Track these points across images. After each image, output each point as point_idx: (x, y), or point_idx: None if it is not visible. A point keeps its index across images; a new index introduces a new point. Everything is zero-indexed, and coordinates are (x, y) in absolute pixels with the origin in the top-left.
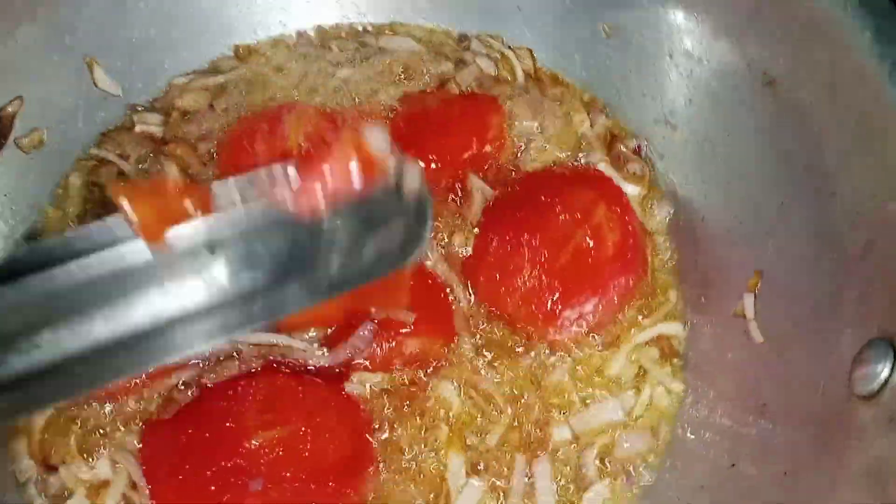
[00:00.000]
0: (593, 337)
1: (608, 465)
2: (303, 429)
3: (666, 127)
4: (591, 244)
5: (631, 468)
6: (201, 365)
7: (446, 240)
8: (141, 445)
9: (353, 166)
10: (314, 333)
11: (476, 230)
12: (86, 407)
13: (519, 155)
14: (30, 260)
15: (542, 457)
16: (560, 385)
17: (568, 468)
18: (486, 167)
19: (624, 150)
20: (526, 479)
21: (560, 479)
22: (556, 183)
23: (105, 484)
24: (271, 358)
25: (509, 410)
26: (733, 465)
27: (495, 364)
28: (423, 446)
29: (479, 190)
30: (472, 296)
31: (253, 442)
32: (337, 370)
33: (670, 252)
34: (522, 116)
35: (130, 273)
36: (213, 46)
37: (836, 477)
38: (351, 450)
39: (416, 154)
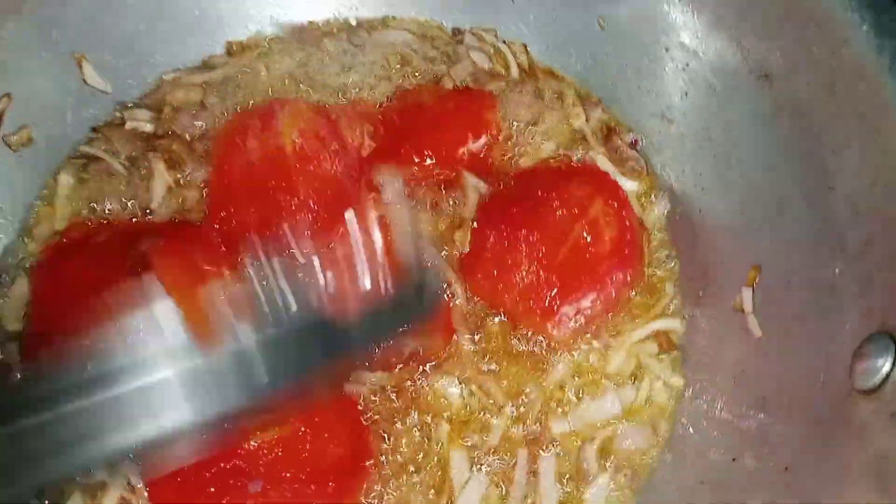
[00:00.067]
0: (591, 332)
1: (609, 459)
2: (301, 429)
3: (662, 121)
4: (589, 239)
5: (632, 463)
6: None
7: (444, 237)
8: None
9: (388, 279)
10: None
11: (474, 224)
12: None
13: (514, 150)
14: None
15: (547, 454)
16: (559, 380)
17: (569, 463)
18: (480, 162)
19: (621, 144)
20: (528, 475)
21: (562, 475)
22: (552, 178)
23: (102, 486)
24: None
25: (509, 406)
26: (734, 459)
27: (494, 360)
28: (423, 444)
29: (474, 186)
30: (470, 293)
31: (251, 443)
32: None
33: (668, 247)
34: (517, 111)
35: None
36: (204, 41)
37: (838, 472)
38: (350, 449)
39: (411, 149)
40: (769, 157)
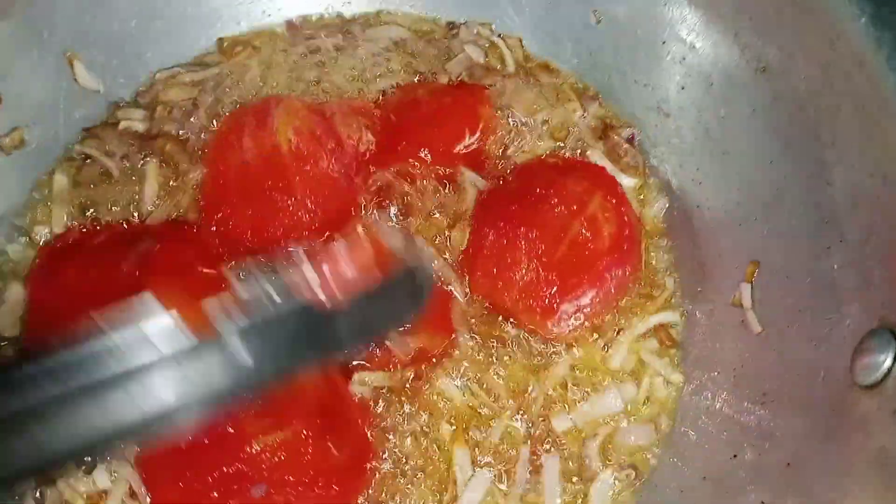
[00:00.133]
0: (591, 329)
1: (611, 456)
2: (304, 432)
3: (659, 114)
4: (587, 236)
5: (634, 459)
6: None
7: (442, 235)
8: (139, 453)
9: (370, 261)
10: None
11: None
12: None
13: (511, 145)
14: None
15: (552, 453)
16: (560, 377)
17: (571, 461)
18: (477, 158)
19: (618, 139)
20: (531, 472)
21: (565, 472)
22: (549, 174)
23: (104, 494)
24: None
25: (511, 403)
26: (735, 455)
27: (495, 358)
28: (426, 443)
29: (472, 182)
30: (469, 291)
31: (254, 446)
32: (336, 371)
33: (666, 242)
34: (514, 106)
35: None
36: (196, 38)
37: (841, 468)
38: (353, 451)
39: (408, 145)
40: (767, 151)
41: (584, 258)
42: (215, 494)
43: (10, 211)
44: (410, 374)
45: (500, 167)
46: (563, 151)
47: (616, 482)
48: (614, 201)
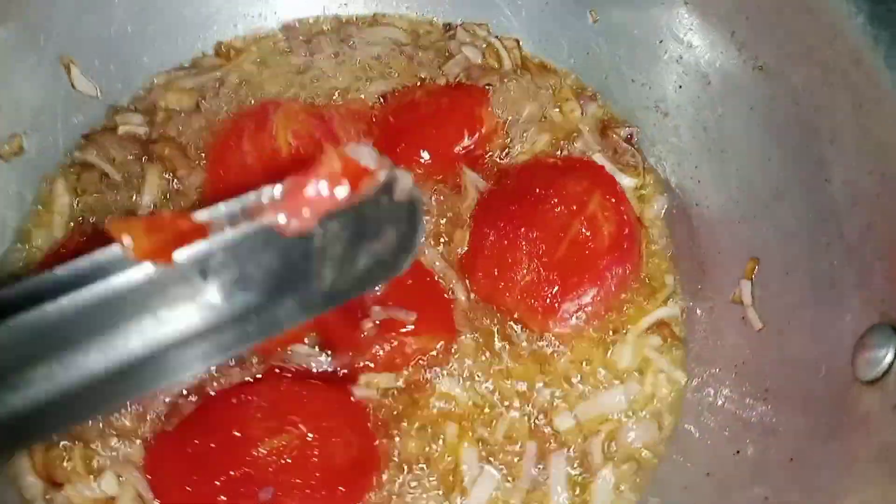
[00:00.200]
0: (593, 328)
1: (614, 453)
2: (310, 434)
3: (657, 113)
4: (588, 235)
5: (637, 456)
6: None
7: (443, 237)
8: (146, 458)
9: (340, 179)
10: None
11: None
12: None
13: (510, 145)
14: (17, 296)
15: (559, 453)
16: (563, 375)
17: (576, 458)
18: (477, 159)
19: (616, 138)
20: (536, 469)
21: (568, 468)
22: (549, 174)
23: (111, 500)
24: (273, 364)
25: (515, 402)
26: (738, 451)
27: (498, 358)
28: (432, 443)
29: (473, 183)
30: (471, 291)
31: (260, 450)
32: (340, 374)
33: (665, 240)
34: (512, 106)
35: (123, 303)
36: (193, 41)
37: (844, 463)
38: (359, 452)
39: (407, 147)
40: (765, 149)
41: (585, 257)
42: (223, 498)
43: (12, 217)
44: (415, 375)
45: (499, 168)
46: (561, 151)
47: (619, 478)
48: (614, 200)
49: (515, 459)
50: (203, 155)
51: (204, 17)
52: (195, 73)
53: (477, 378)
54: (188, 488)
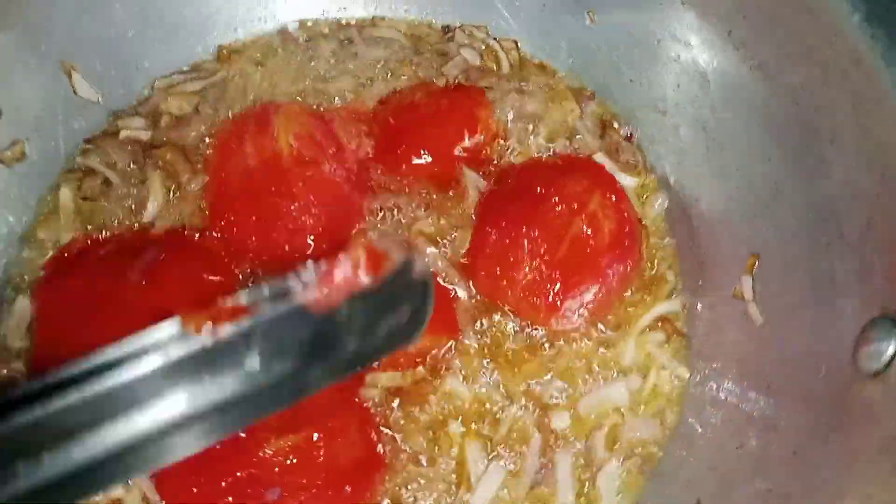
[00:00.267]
0: (595, 324)
1: (619, 447)
2: (315, 434)
3: (656, 112)
4: (589, 233)
5: (640, 450)
6: None
7: (445, 237)
8: None
9: (364, 265)
10: None
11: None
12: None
13: (510, 145)
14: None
15: (563, 448)
16: (566, 372)
17: (581, 452)
18: (477, 159)
19: (616, 137)
20: (541, 465)
21: (574, 463)
22: (549, 173)
23: (117, 501)
24: None
25: (519, 399)
26: (741, 445)
27: (501, 355)
28: (436, 440)
29: (474, 183)
30: (474, 291)
31: (266, 450)
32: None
33: (666, 238)
34: (511, 106)
35: (178, 372)
36: (193, 44)
37: (848, 455)
38: (365, 451)
39: (407, 149)
40: (764, 147)
41: (586, 255)
42: (229, 499)
43: (15, 223)
44: (419, 374)
45: (500, 168)
46: (561, 151)
47: (623, 473)
48: (614, 198)
49: (520, 455)
50: (205, 158)
51: (204, 20)
52: (196, 76)
53: (480, 376)
54: (194, 489)
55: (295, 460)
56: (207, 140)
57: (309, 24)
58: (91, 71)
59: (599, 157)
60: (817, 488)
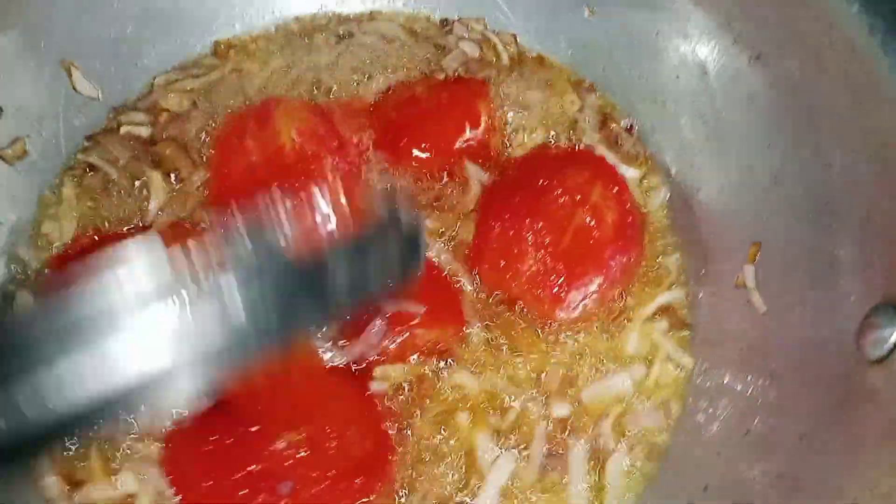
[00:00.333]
0: (599, 315)
1: (626, 435)
2: (326, 427)
3: (655, 104)
4: (592, 224)
5: (648, 438)
6: None
7: (449, 230)
8: (164, 455)
9: (345, 208)
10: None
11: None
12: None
13: (511, 138)
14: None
15: (571, 437)
16: (571, 362)
17: (589, 442)
18: (479, 152)
19: (617, 129)
20: (550, 453)
21: (583, 451)
22: (551, 165)
23: (132, 497)
24: None
25: (526, 389)
26: (747, 431)
27: (506, 346)
28: (445, 431)
29: (476, 176)
30: (479, 282)
31: (278, 444)
32: (353, 368)
33: (668, 227)
34: (511, 99)
35: (155, 317)
36: (192, 40)
37: (854, 440)
38: (375, 443)
39: (408, 142)
40: (764, 136)
41: (590, 246)
42: (243, 493)
43: (17, 220)
44: (427, 366)
45: (501, 160)
46: (562, 142)
47: (631, 460)
48: (616, 189)
49: (529, 444)
50: (205, 154)
51: (203, 16)
52: (195, 72)
53: (487, 367)
54: (207, 484)
55: (306, 454)
56: (207, 135)
57: (307, 18)
58: (91, 69)
59: (600, 149)
60: (825, 472)
